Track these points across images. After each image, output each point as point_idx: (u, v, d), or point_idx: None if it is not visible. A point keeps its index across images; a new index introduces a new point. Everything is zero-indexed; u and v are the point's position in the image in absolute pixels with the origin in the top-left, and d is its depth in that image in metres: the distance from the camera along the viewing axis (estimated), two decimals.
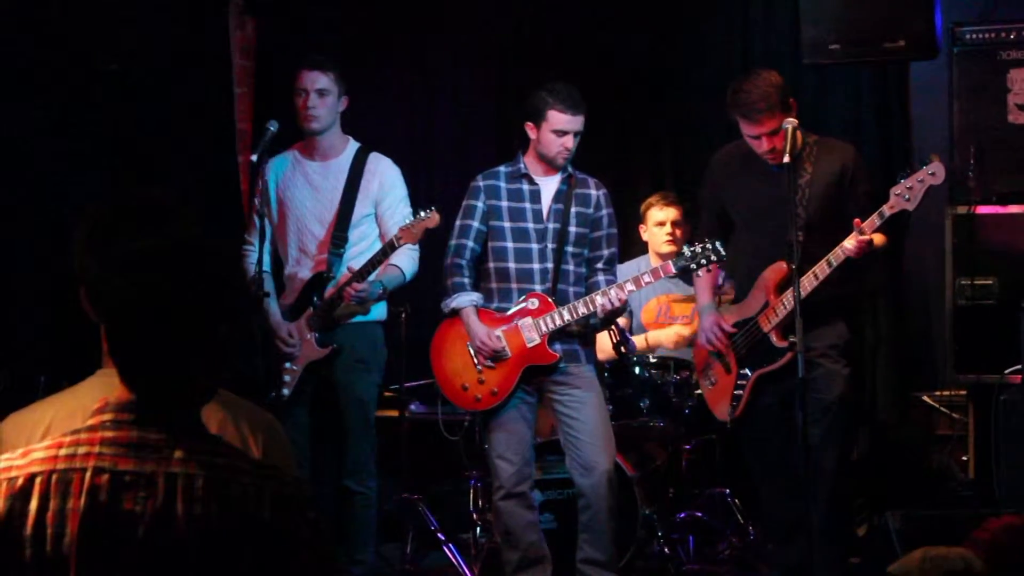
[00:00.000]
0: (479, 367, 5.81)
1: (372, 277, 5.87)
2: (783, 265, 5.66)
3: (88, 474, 1.88)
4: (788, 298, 5.57)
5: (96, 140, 7.15)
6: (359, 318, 6.02)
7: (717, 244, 5.64)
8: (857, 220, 5.45)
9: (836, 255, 5.50)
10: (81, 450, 1.90)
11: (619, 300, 5.67)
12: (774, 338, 5.73)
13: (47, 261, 6.53)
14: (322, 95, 6.01)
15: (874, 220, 5.45)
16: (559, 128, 5.76)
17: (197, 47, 7.67)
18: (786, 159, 5.41)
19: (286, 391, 5.96)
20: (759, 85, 5.59)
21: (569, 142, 5.79)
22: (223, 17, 8.05)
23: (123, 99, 7.23)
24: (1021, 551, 2.16)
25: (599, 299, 5.66)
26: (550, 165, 5.87)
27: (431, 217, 5.75)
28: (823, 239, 5.59)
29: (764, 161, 5.72)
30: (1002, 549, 2.18)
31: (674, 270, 5.74)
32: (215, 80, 7.90)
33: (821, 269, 5.52)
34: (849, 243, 5.45)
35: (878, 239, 5.58)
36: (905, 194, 5.42)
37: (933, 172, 5.43)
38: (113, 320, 1.95)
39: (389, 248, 5.82)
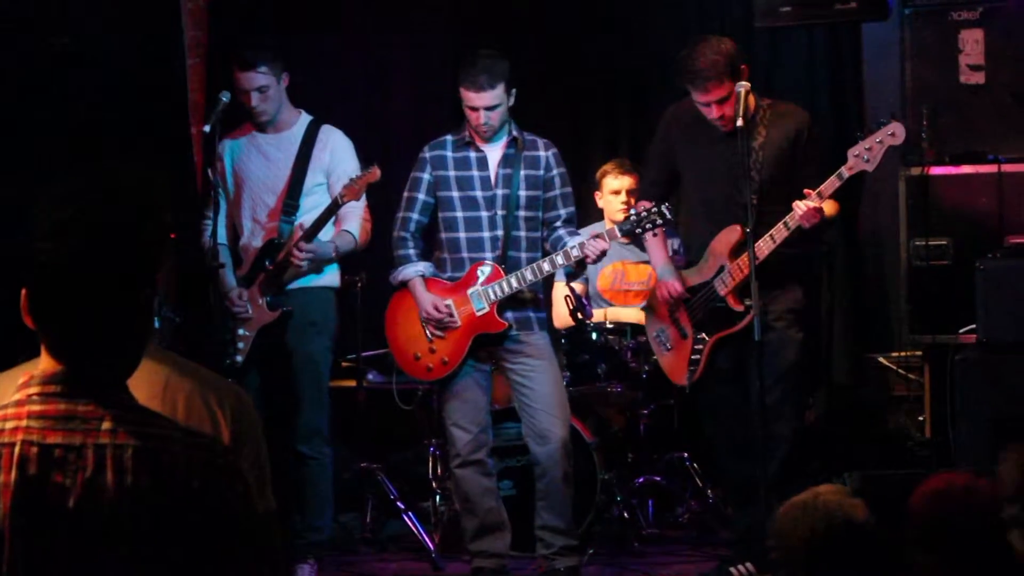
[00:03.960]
0: (430, 337, 5.79)
1: (326, 239, 5.88)
2: (737, 228, 5.65)
3: (17, 448, 1.88)
4: (744, 261, 5.57)
5: (48, 114, 7.08)
6: (312, 279, 6.02)
7: (663, 207, 5.59)
8: (808, 190, 5.45)
9: (792, 217, 5.50)
10: (9, 425, 1.90)
11: (599, 249, 5.57)
12: (731, 302, 5.74)
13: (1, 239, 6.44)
14: (263, 91, 6.00)
15: (833, 182, 5.45)
16: (468, 104, 5.70)
17: (148, 18, 7.59)
18: (739, 123, 5.40)
19: (239, 358, 5.97)
20: (706, 53, 5.56)
21: (482, 117, 5.69)
22: None
23: (74, 72, 7.15)
24: (941, 515, 2.16)
25: (573, 252, 5.59)
26: (479, 137, 5.82)
27: (371, 172, 5.79)
28: (776, 202, 5.59)
29: None
30: (926, 514, 2.17)
31: (619, 234, 5.73)
32: (167, 51, 7.83)
33: (778, 231, 5.53)
34: (799, 207, 5.45)
35: (829, 208, 5.56)
36: (864, 155, 5.43)
37: (892, 132, 5.43)
38: (41, 289, 1.93)
39: (334, 206, 5.85)
